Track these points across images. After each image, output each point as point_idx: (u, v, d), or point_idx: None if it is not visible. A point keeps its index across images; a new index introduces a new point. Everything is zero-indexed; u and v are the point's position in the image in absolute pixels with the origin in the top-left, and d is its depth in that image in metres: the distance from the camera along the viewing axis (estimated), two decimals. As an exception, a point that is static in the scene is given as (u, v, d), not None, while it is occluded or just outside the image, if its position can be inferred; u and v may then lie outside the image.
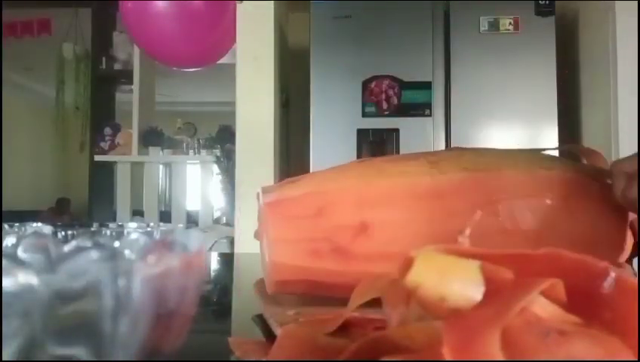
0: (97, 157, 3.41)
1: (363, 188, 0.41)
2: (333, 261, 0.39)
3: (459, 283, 0.19)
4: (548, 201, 0.40)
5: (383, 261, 0.38)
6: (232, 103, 2.18)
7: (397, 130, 2.14)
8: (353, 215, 0.40)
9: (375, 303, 0.27)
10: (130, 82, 3.44)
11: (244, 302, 0.59)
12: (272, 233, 0.40)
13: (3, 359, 0.17)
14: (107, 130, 3.43)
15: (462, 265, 0.19)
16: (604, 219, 0.43)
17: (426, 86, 2.15)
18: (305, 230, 0.40)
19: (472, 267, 0.19)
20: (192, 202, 3.69)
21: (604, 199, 0.43)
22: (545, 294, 0.19)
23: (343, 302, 0.37)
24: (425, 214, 0.40)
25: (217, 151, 3.10)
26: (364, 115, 2.16)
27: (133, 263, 0.19)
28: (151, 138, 3.36)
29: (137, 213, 3.51)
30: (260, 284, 0.49)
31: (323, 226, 0.39)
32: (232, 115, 2.18)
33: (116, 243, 0.31)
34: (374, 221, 0.39)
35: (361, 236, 0.39)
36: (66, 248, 0.26)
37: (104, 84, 3.71)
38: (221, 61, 2.49)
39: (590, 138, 2.26)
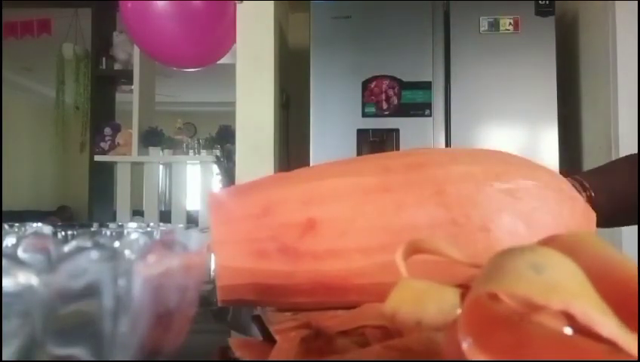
0: (97, 158, 3.41)
1: (309, 186, 0.40)
2: (280, 261, 0.37)
3: (433, 307, 0.20)
4: (495, 186, 0.40)
5: (332, 258, 0.37)
6: (232, 103, 2.18)
7: (397, 130, 2.14)
8: (300, 212, 0.38)
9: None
10: (130, 82, 3.44)
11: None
12: (215, 235, 0.39)
13: (3, 359, 0.17)
14: (107, 130, 3.43)
15: (437, 291, 0.20)
16: (560, 206, 0.42)
17: (426, 86, 2.15)
18: (250, 230, 0.39)
19: (449, 292, 0.20)
20: (192, 202, 3.70)
21: (559, 189, 0.43)
22: None
23: (295, 307, 0.38)
24: (374, 208, 0.38)
25: (217, 151, 3.10)
26: (364, 115, 2.16)
27: (133, 263, 0.19)
28: (151, 138, 3.36)
29: (137, 213, 3.51)
30: None
31: (268, 225, 0.38)
32: (232, 114, 2.18)
33: (116, 243, 0.31)
34: (322, 217, 0.38)
35: (309, 233, 0.37)
36: (66, 248, 0.26)
37: (104, 84, 3.71)
38: (221, 61, 2.49)
39: (590, 138, 2.26)
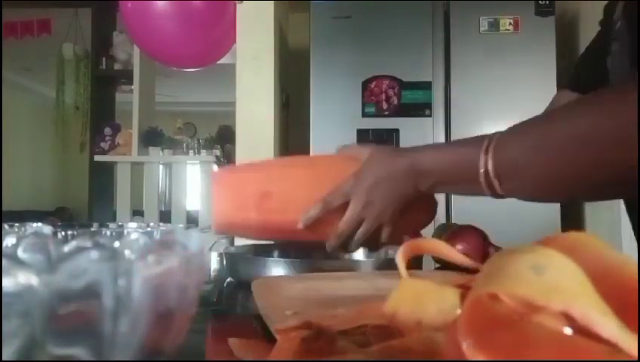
0: (97, 158, 3.41)
1: (268, 172, 0.68)
2: (253, 212, 0.64)
3: (433, 307, 0.20)
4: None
5: (280, 213, 0.64)
6: (232, 103, 2.18)
7: (397, 130, 2.14)
8: (262, 186, 0.65)
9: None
10: (130, 82, 3.44)
11: (244, 301, 0.59)
12: (216, 196, 0.66)
13: (3, 359, 0.17)
14: (107, 130, 3.43)
15: (437, 291, 0.20)
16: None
17: (426, 86, 2.15)
18: (235, 195, 0.66)
19: (449, 292, 0.20)
20: (192, 202, 3.70)
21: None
22: None
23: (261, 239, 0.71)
24: (307, 183, 0.66)
25: (217, 151, 3.10)
26: (364, 115, 2.16)
27: (133, 263, 0.19)
28: (151, 138, 3.36)
29: (137, 213, 3.51)
30: (258, 285, 0.50)
31: (245, 193, 0.65)
32: (232, 115, 2.18)
33: (116, 243, 0.31)
34: (274, 190, 0.65)
35: (267, 198, 0.64)
36: (66, 248, 0.26)
37: (104, 84, 3.71)
38: (221, 61, 2.49)
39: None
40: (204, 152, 3.45)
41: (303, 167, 0.68)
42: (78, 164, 4.61)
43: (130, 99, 3.37)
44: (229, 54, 2.38)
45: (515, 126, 0.53)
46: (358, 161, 0.66)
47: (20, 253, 0.26)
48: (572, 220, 2.09)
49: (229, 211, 0.65)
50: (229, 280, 0.69)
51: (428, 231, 0.72)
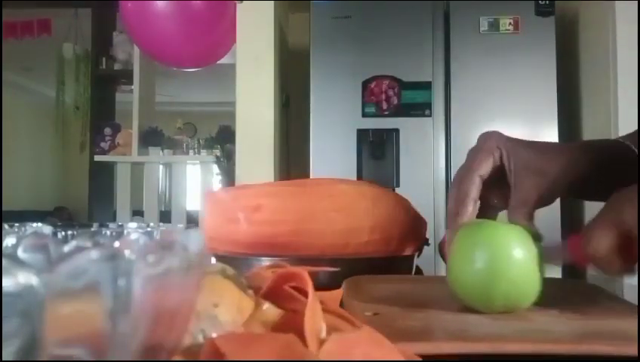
0: (97, 158, 3.41)
1: (260, 188, 0.72)
2: (244, 224, 0.67)
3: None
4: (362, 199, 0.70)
5: (268, 225, 0.67)
6: (232, 103, 2.18)
7: (397, 130, 2.14)
8: (254, 200, 0.68)
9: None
10: (130, 82, 3.44)
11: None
12: (208, 212, 0.70)
13: (3, 359, 0.17)
14: (107, 130, 3.43)
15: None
16: (398, 217, 0.69)
17: (426, 86, 2.15)
18: (227, 209, 0.69)
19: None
20: (192, 202, 3.70)
21: (401, 205, 0.71)
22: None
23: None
24: (298, 197, 0.69)
25: (217, 151, 3.10)
26: (364, 115, 2.16)
27: (133, 263, 0.19)
28: (151, 138, 3.36)
29: (137, 213, 3.51)
30: (350, 282, 0.56)
31: (237, 206, 0.68)
32: (232, 115, 2.19)
33: (116, 243, 0.31)
34: (265, 203, 0.68)
35: (258, 211, 0.67)
36: (66, 248, 0.26)
37: (104, 84, 3.71)
38: (221, 61, 2.50)
39: (590, 138, 2.26)
40: (204, 152, 3.45)
41: (293, 185, 0.73)
42: (78, 164, 4.61)
43: (130, 99, 3.37)
44: (229, 54, 2.39)
45: None
46: (348, 182, 0.74)
47: (20, 253, 0.26)
48: (572, 221, 2.09)
49: (220, 224, 0.68)
50: None
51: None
